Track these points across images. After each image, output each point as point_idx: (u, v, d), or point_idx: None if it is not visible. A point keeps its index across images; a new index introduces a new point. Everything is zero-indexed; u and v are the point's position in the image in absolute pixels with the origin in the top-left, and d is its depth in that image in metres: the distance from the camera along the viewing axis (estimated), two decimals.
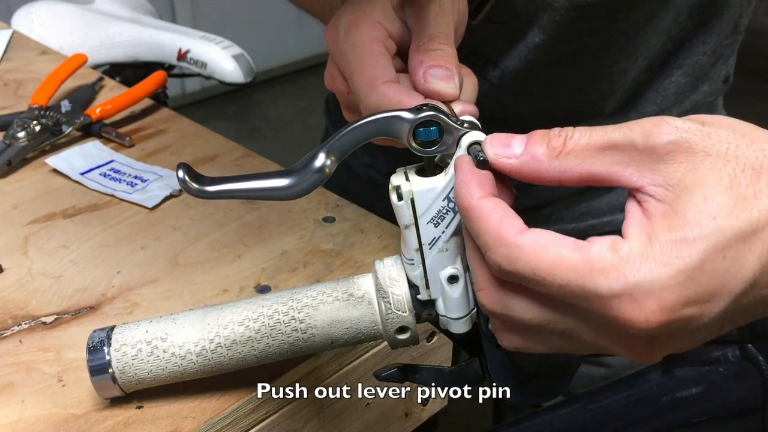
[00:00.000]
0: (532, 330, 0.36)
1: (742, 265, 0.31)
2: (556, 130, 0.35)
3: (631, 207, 0.34)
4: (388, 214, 0.60)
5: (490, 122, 0.43)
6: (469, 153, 0.38)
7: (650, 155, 0.33)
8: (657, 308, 0.30)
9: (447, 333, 0.44)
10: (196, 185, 0.38)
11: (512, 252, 0.33)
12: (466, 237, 0.38)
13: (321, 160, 0.39)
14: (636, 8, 0.63)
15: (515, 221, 0.34)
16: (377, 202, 0.66)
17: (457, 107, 0.44)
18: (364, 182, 0.88)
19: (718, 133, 0.33)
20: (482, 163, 0.37)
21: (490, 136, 0.38)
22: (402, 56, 0.48)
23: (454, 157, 0.39)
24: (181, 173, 0.38)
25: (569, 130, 0.35)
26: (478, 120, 0.42)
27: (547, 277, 0.32)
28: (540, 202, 0.78)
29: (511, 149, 0.36)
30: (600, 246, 0.32)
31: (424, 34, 0.45)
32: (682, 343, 0.33)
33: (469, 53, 0.69)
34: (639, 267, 0.31)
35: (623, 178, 0.34)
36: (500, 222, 0.34)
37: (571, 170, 0.34)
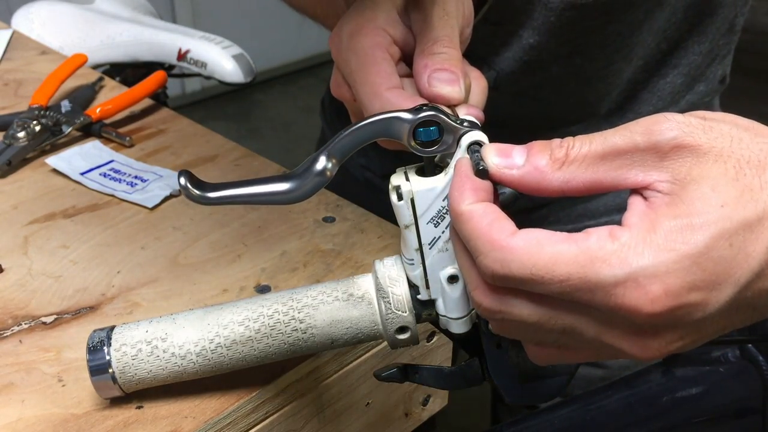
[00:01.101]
0: (530, 327, 0.35)
1: (748, 254, 0.30)
2: (557, 140, 0.35)
3: (635, 200, 0.33)
4: (386, 214, 0.60)
5: (486, 125, 0.43)
6: (470, 158, 0.38)
7: (654, 153, 0.33)
8: (662, 293, 0.30)
9: (447, 333, 0.44)
10: (197, 192, 0.38)
11: (505, 255, 0.32)
12: (455, 240, 0.37)
13: (322, 163, 0.39)
14: (631, 9, 0.63)
15: (506, 224, 0.33)
16: (375, 203, 0.65)
17: (461, 111, 0.43)
18: (361, 184, 0.88)
19: (720, 128, 0.32)
20: (482, 173, 0.36)
21: (489, 144, 0.37)
22: (407, 62, 0.47)
23: (455, 157, 0.39)
24: (182, 180, 0.38)
25: (570, 139, 0.35)
26: (475, 119, 0.42)
27: (546, 275, 0.31)
28: (536, 203, 0.78)
29: (512, 160, 0.35)
30: (598, 236, 0.32)
31: (428, 37, 0.44)
32: (688, 337, 0.33)
33: (464, 55, 0.69)
34: (642, 252, 0.30)
35: (628, 180, 0.33)
36: (491, 225, 0.33)
37: (575, 180, 0.34)
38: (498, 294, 0.35)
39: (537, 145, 0.35)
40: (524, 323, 0.35)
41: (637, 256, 0.30)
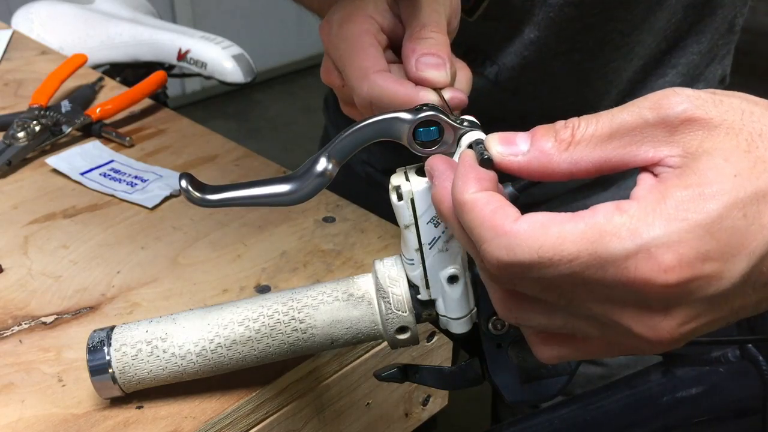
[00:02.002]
0: (534, 300, 0.34)
1: (763, 225, 0.29)
2: (561, 122, 0.34)
3: (644, 176, 0.32)
4: (387, 210, 0.60)
5: (486, 122, 0.43)
6: (474, 149, 0.37)
7: (664, 128, 0.32)
8: (675, 263, 0.29)
9: (447, 333, 0.44)
10: (198, 194, 0.38)
11: (510, 241, 0.31)
12: (457, 227, 0.36)
13: (323, 164, 0.39)
14: (631, 8, 0.64)
15: (510, 210, 0.32)
16: (376, 199, 0.66)
17: (446, 94, 0.44)
18: (363, 180, 0.88)
19: (731, 101, 0.32)
20: (486, 162, 0.35)
21: (492, 134, 0.37)
22: (394, 50, 0.48)
23: (455, 157, 0.39)
24: (183, 183, 0.38)
25: (574, 120, 0.34)
26: (474, 119, 0.42)
27: (555, 256, 0.30)
28: (536, 200, 0.78)
29: (516, 146, 0.35)
30: (605, 211, 0.30)
31: (416, 23, 0.46)
32: (702, 317, 0.31)
33: (466, 50, 0.69)
34: (652, 222, 0.29)
35: (638, 157, 0.32)
36: (494, 212, 0.32)
37: (583, 160, 0.33)
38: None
39: (541, 129, 0.34)
40: (533, 297, 0.34)
41: (647, 227, 0.29)
